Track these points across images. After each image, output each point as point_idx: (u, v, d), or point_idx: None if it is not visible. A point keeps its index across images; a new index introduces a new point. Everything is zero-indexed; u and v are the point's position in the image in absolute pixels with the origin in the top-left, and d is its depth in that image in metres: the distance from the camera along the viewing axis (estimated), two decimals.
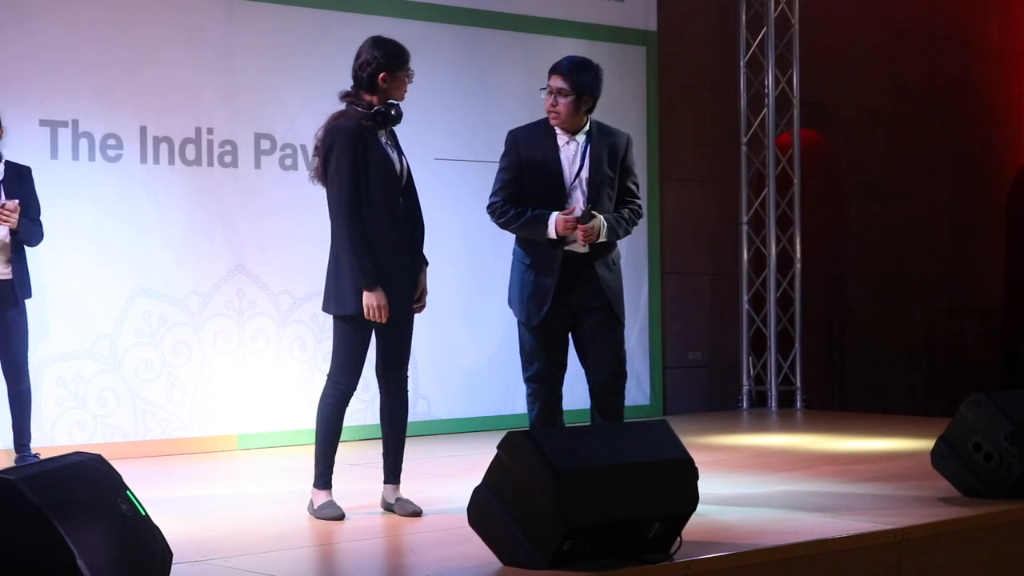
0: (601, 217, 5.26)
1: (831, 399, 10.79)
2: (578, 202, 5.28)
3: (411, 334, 5.23)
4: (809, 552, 4.45)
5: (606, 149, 5.35)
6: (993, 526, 4.95)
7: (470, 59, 8.50)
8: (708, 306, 9.84)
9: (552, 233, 5.23)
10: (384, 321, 5.00)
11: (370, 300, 4.99)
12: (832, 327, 10.92)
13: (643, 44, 9.27)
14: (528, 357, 5.39)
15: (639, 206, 5.48)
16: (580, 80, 5.31)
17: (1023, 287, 12.40)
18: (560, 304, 5.30)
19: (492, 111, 8.50)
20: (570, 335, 5.41)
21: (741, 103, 9.96)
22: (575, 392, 5.57)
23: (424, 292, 5.24)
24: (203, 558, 4.37)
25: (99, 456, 3.62)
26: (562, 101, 5.30)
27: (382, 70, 5.06)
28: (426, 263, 5.28)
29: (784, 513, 5.11)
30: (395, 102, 5.12)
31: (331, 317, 5.14)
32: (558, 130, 5.36)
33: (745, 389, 9.91)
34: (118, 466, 3.66)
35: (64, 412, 7.01)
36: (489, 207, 5.43)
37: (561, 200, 5.28)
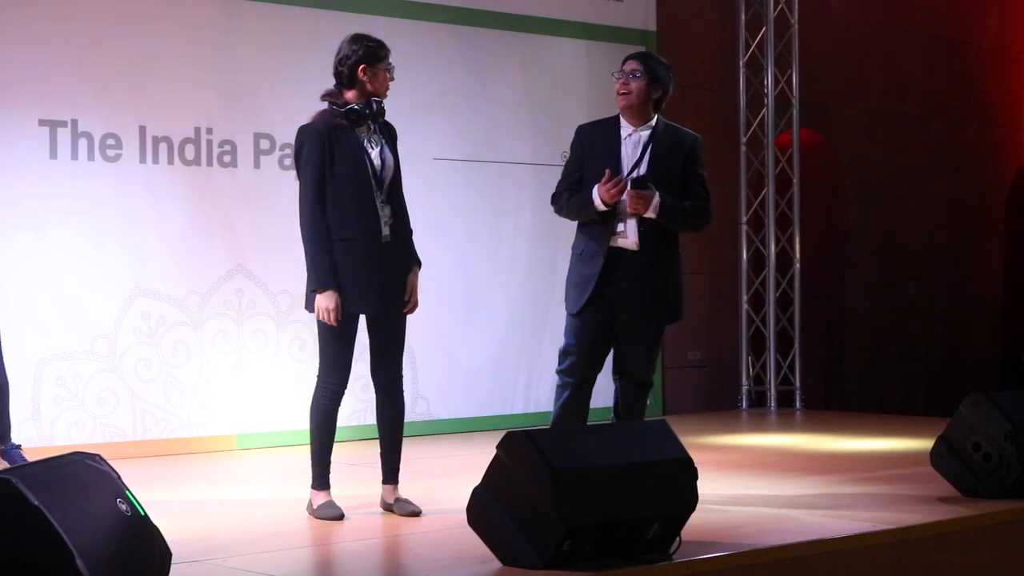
0: (656, 192, 5.21)
1: (830, 399, 10.79)
2: (632, 195, 5.26)
3: (400, 333, 5.20)
4: (809, 552, 4.45)
5: (671, 146, 5.34)
6: (993, 526, 4.95)
7: (470, 59, 8.50)
8: (707, 306, 9.84)
9: (599, 203, 5.22)
10: (334, 324, 4.99)
11: (320, 302, 5.00)
12: (831, 327, 10.92)
13: (643, 44, 9.24)
14: (565, 349, 5.38)
15: (704, 206, 5.40)
16: (655, 67, 5.34)
17: (1023, 287, 12.40)
18: (600, 297, 5.27)
19: (491, 111, 8.50)
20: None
21: (740, 103, 9.96)
22: (598, 389, 5.53)
23: (413, 292, 5.19)
24: (203, 558, 4.37)
25: (98, 456, 3.62)
26: (634, 82, 5.31)
27: (361, 63, 5.07)
28: (418, 264, 5.23)
29: (784, 513, 5.11)
30: (377, 99, 5.12)
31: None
32: (623, 122, 5.36)
33: (744, 389, 9.91)
34: (117, 466, 3.66)
35: (63, 412, 7.01)
36: (551, 197, 5.47)
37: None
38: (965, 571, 4.86)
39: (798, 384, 9.97)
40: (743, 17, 9.95)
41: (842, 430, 8.29)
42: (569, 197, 5.36)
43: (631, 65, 5.35)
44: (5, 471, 3.34)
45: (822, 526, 4.77)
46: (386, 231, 5.09)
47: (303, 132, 5.10)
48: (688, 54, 9.69)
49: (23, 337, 6.63)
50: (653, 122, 5.36)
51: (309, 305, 5.09)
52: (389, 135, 5.21)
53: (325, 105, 5.12)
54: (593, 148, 5.37)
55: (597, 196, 5.22)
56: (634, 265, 5.27)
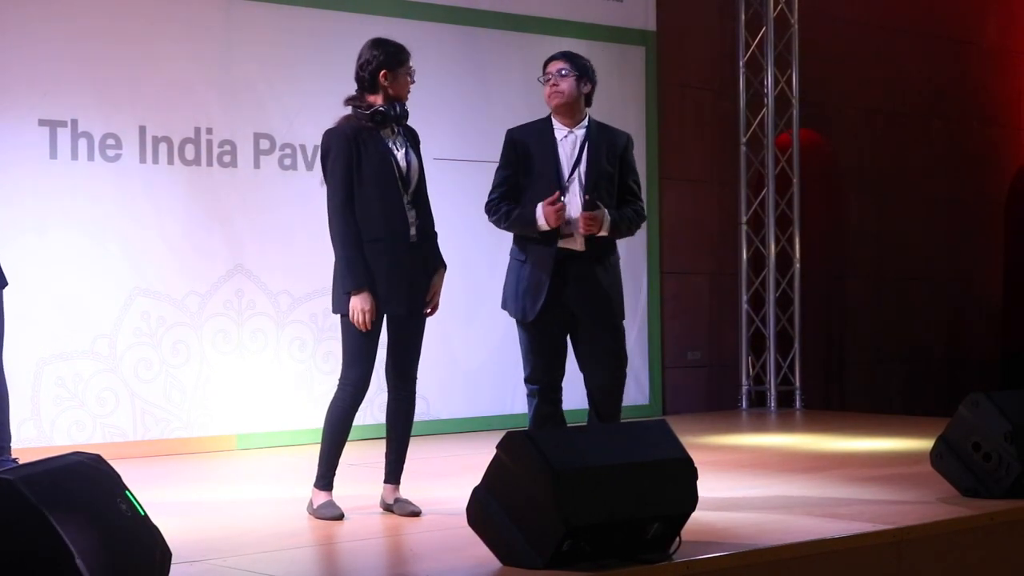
0: (606, 210, 5.22)
1: (830, 399, 10.79)
2: (576, 195, 5.25)
3: (419, 334, 5.23)
4: (809, 552, 4.45)
5: (605, 144, 5.33)
6: (992, 526, 4.95)
7: (470, 59, 8.50)
8: (707, 306, 9.84)
9: (542, 223, 5.20)
10: (368, 327, 5.00)
11: (354, 303, 5.00)
12: (831, 327, 10.92)
13: (642, 44, 9.26)
14: (524, 357, 5.36)
15: (641, 208, 5.42)
16: (580, 63, 5.36)
17: (1023, 287, 12.40)
18: (555, 303, 5.25)
19: (492, 111, 8.50)
20: (569, 338, 5.39)
21: (740, 103, 9.96)
22: (574, 392, 5.55)
23: (435, 294, 5.22)
24: (203, 558, 4.37)
25: (98, 456, 3.62)
26: (564, 81, 5.31)
27: (383, 67, 5.10)
28: (443, 266, 5.25)
29: (784, 513, 5.10)
30: (400, 102, 5.14)
31: (338, 316, 5.15)
32: (556, 124, 5.35)
33: (744, 389, 9.91)
34: (117, 466, 3.66)
35: (63, 412, 7.01)
36: (485, 205, 5.45)
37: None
38: (965, 571, 4.86)
39: (798, 384, 9.97)
40: (743, 17, 9.96)
41: (842, 430, 8.29)
42: (509, 211, 5.31)
43: (556, 65, 5.36)
44: (4, 471, 3.34)
45: (822, 526, 4.76)
46: (413, 232, 5.12)
47: (329, 136, 5.10)
48: (688, 54, 9.69)
49: (23, 337, 6.63)
50: (586, 121, 5.37)
51: (339, 307, 5.09)
52: (412, 139, 5.24)
53: (349, 110, 5.14)
54: (529, 152, 5.34)
55: (541, 217, 5.19)
56: (583, 266, 5.26)
